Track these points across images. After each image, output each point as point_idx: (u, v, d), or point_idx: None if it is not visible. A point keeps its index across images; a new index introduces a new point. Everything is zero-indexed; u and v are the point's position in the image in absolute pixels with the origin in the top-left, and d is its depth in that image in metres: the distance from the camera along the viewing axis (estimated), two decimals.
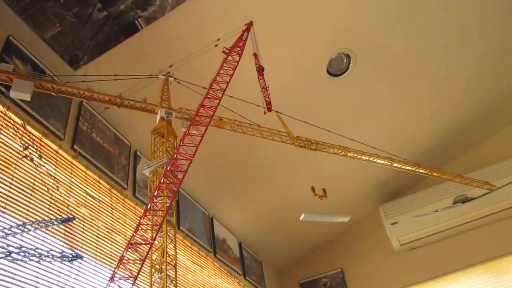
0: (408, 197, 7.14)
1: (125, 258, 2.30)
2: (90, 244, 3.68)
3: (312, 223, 6.93)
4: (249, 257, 6.97)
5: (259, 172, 6.05)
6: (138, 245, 2.31)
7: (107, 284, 2.24)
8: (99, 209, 3.98)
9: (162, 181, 2.49)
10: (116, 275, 2.34)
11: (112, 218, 4.10)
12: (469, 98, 6.42)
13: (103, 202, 4.08)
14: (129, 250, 2.32)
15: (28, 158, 3.07)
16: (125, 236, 4.13)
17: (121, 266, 2.29)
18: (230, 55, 3.56)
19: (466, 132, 6.91)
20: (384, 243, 7.15)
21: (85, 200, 3.87)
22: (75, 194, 3.79)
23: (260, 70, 4.05)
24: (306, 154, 4.53)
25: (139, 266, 2.24)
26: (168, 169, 2.53)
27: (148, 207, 2.41)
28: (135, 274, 2.25)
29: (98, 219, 3.92)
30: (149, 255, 2.53)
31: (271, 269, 7.84)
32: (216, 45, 3.88)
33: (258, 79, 4.05)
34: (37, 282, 3.04)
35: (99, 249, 3.74)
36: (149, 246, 2.23)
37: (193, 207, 5.72)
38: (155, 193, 2.47)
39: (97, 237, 3.77)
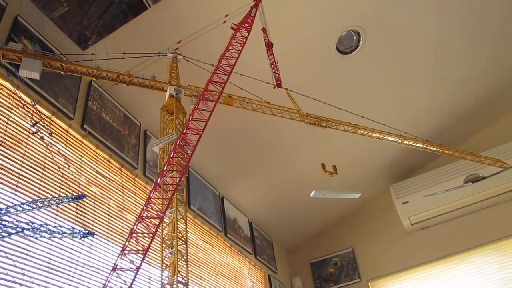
0: (419, 176, 7.11)
1: (135, 231, 2.30)
2: (101, 222, 3.70)
3: (323, 202, 6.95)
4: (259, 236, 7.00)
5: (269, 151, 6.04)
6: (148, 219, 2.31)
7: (118, 257, 2.25)
8: (109, 188, 4.00)
9: (171, 156, 2.49)
10: (127, 248, 2.35)
11: (123, 197, 4.12)
12: (482, 75, 6.33)
13: (113, 181, 4.10)
14: (140, 224, 2.32)
15: (38, 135, 3.07)
16: (136, 214, 4.15)
17: (131, 239, 2.29)
18: (239, 31, 3.53)
19: (479, 110, 6.82)
20: (395, 223, 7.15)
21: (95, 179, 3.88)
22: (85, 173, 3.80)
23: (269, 45, 4.01)
24: (316, 132, 4.51)
25: (150, 239, 2.25)
26: (177, 143, 2.53)
27: (158, 181, 2.41)
28: (146, 247, 2.25)
29: (109, 198, 3.94)
30: (159, 229, 2.54)
31: (281, 248, 7.87)
32: (224, 22, 3.85)
33: (267, 55, 4.02)
34: (50, 258, 3.07)
35: (110, 227, 3.77)
36: (159, 219, 2.23)
37: (203, 187, 5.73)
38: (165, 168, 2.47)
39: (108, 215, 3.79)
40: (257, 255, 6.61)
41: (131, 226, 3.75)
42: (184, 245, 2.72)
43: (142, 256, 2.23)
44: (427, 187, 6.91)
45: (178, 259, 2.56)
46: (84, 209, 3.55)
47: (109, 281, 2.21)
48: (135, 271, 2.20)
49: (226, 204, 6.21)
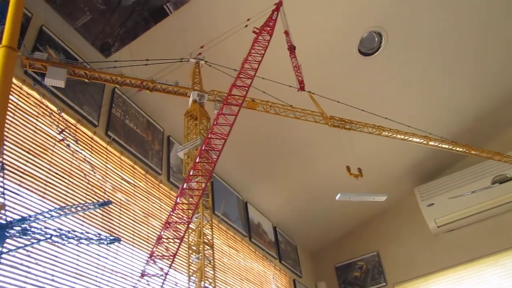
0: (444, 178, 7.00)
1: (162, 237, 2.30)
2: (127, 228, 3.72)
3: (347, 206, 6.90)
4: (284, 241, 6.96)
5: (293, 155, 6.01)
6: (175, 224, 2.31)
7: (146, 263, 2.25)
8: (134, 194, 4.02)
9: (197, 161, 2.49)
10: (155, 254, 2.35)
11: (148, 203, 4.14)
12: (507, 74, 6.21)
13: (138, 187, 4.11)
14: (166, 230, 2.32)
15: (64, 142, 3.10)
16: (161, 220, 4.17)
17: (159, 245, 2.29)
18: (261, 35, 3.52)
19: (506, 108, 6.68)
20: (421, 225, 7.04)
21: (121, 185, 3.90)
22: (110, 179, 3.83)
23: (292, 48, 4.00)
24: (340, 135, 4.47)
25: (177, 245, 2.24)
26: (203, 148, 2.52)
27: (184, 186, 2.40)
28: (174, 253, 2.25)
29: (134, 204, 3.95)
30: (186, 235, 2.54)
31: (306, 253, 7.82)
32: (246, 26, 3.85)
33: (290, 58, 4.00)
34: (77, 265, 3.09)
35: (136, 233, 3.78)
36: (186, 225, 2.23)
37: (227, 192, 5.73)
38: (191, 173, 2.46)
39: (134, 221, 3.81)
40: (281, 259, 6.57)
41: (157, 232, 3.78)
42: (211, 250, 2.71)
43: (169, 262, 2.23)
44: (452, 188, 6.79)
45: (205, 265, 2.56)
46: (110, 215, 3.57)
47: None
48: (164, 277, 2.19)
49: (250, 209, 6.19)
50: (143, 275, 2.18)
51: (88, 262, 3.18)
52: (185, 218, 2.27)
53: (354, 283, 7.50)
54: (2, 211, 2.44)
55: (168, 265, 2.19)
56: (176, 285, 3.84)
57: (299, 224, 7.12)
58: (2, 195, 2.53)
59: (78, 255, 3.12)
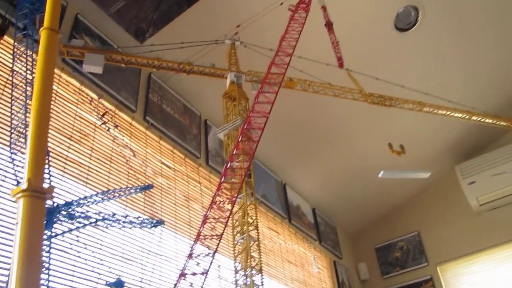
0: (486, 155, 6.80)
1: (208, 217, 2.28)
2: (169, 212, 3.73)
3: (386, 186, 6.79)
4: (323, 222, 6.91)
5: (330, 135, 5.92)
6: (221, 204, 2.29)
7: (194, 243, 2.24)
8: (175, 178, 4.03)
9: (239, 140, 2.45)
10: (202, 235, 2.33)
11: (188, 186, 4.15)
12: None
13: (178, 171, 4.13)
14: (211, 211, 2.30)
15: (105, 127, 3.12)
16: (202, 204, 4.18)
17: (205, 225, 2.28)
18: (297, 12, 3.45)
19: None
20: (462, 204, 6.88)
21: (161, 170, 3.92)
22: (151, 164, 3.85)
23: (330, 24, 3.92)
24: (379, 112, 4.38)
25: (223, 225, 2.22)
26: (244, 127, 2.49)
27: (228, 166, 2.38)
28: (220, 232, 2.23)
29: (175, 188, 3.97)
30: (231, 216, 2.52)
31: (346, 234, 7.75)
32: (281, 3, 3.78)
33: (328, 34, 3.92)
34: (123, 248, 3.13)
35: (178, 217, 3.80)
36: (231, 204, 2.20)
37: (265, 175, 5.71)
38: (234, 152, 2.44)
39: (175, 205, 3.83)
40: (321, 241, 6.54)
41: (198, 216, 3.79)
42: (256, 231, 2.69)
43: (217, 241, 2.21)
44: (495, 165, 6.60)
45: (250, 245, 2.54)
46: (152, 199, 3.59)
47: (186, 268, 2.19)
48: (212, 255, 2.17)
49: (289, 191, 6.16)
50: (190, 255, 2.17)
51: (133, 245, 3.21)
52: (229, 198, 2.25)
53: (395, 264, 7.41)
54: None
55: (215, 245, 2.18)
56: (219, 267, 3.85)
57: (338, 205, 7.05)
58: (48, 181, 2.56)
59: (123, 239, 3.15)
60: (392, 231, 7.62)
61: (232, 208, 2.18)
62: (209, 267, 2.14)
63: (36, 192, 1.59)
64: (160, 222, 3.04)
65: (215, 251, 2.18)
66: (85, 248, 2.85)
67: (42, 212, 1.64)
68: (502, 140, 6.87)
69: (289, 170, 6.10)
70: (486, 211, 6.85)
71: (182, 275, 2.13)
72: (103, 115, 3.06)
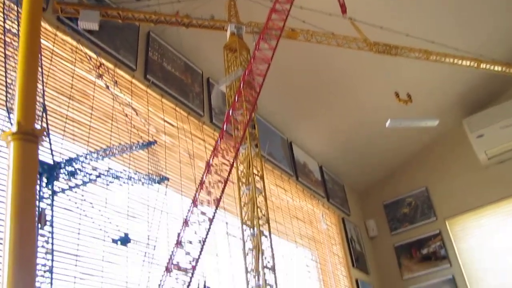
0: (495, 107, 6.67)
1: (212, 165, 2.22)
2: (174, 169, 3.69)
3: (393, 141, 6.72)
4: (330, 180, 6.87)
5: (335, 87, 5.78)
6: (224, 152, 2.23)
7: (198, 190, 2.19)
8: (179, 136, 3.98)
9: (241, 87, 2.37)
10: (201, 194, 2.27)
11: (192, 144, 4.09)
12: None
13: (181, 129, 4.07)
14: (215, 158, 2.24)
15: (103, 82, 3.05)
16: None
17: (208, 173, 2.22)
18: None
19: None
20: (470, 158, 6.81)
21: (164, 128, 3.87)
22: (153, 122, 3.79)
23: None
24: (384, 62, 4.27)
25: (227, 172, 2.16)
26: (246, 74, 2.40)
27: (230, 112, 2.30)
28: (225, 179, 2.17)
29: (179, 146, 3.92)
30: (236, 162, 2.47)
31: (354, 191, 7.71)
32: None
33: None
34: (128, 206, 3.10)
35: (183, 174, 3.76)
36: (234, 152, 2.14)
37: (271, 133, 5.64)
38: (235, 99, 2.36)
39: (180, 162, 3.78)
40: (329, 198, 6.51)
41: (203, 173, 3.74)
42: (261, 182, 2.64)
43: (221, 189, 2.15)
44: (504, 118, 6.47)
45: (256, 195, 2.49)
46: (156, 157, 3.55)
47: (183, 232, 2.14)
48: (217, 203, 2.12)
49: (295, 148, 6.10)
50: (195, 202, 2.12)
51: (139, 203, 3.18)
52: (233, 146, 2.18)
53: (403, 220, 7.39)
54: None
55: (220, 193, 2.12)
56: (227, 224, 3.83)
57: (345, 162, 6.99)
58: (48, 141, 2.50)
59: (128, 197, 3.12)
60: (400, 187, 7.58)
61: (235, 157, 2.12)
62: (214, 215, 2.09)
63: (27, 135, 1.53)
64: (164, 178, 3.00)
65: (220, 198, 2.12)
66: (92, 207, 2.82)
67: (35, 156, 1.58)
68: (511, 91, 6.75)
69: (295, 127, 6.02)
70: (494, 165, 6.77)
71: (186, 223, 2.09)
72: (98, 67, 2.98)
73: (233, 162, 2.13)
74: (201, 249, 2.03)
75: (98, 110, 3.35)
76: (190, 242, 2.05)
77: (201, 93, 4.63)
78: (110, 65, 3.62)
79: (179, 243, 2.06)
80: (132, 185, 2.86)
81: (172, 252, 2.05)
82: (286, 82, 5.26)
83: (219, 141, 2.20)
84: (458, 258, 6.65)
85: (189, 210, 2.13)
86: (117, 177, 2.74)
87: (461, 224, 6.91)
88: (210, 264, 3.46)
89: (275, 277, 2.59)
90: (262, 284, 2.44)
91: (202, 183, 2.18)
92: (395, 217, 7.48)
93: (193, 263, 2.00)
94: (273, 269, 2.53)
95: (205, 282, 2.81)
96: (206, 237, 2.05)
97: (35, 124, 1.59)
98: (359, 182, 7.66)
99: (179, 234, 2.10)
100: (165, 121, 3.91)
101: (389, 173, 7.62)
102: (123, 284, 2.80)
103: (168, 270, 2.00)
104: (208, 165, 2.20)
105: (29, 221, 1.50)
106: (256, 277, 2.50)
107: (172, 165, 3.69)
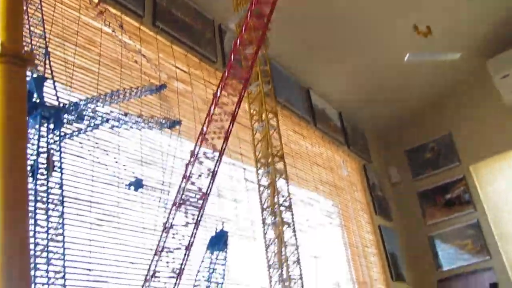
0: None
1: (220, 95, 2.11)
2: (188, 115, 3.62)
3: (414, 85, 6.53)
4: (350, 126, 6.73)
5: (354, 30, 5.51)
6: (232, 85, 2.11)
7: (207, 123, 2.09)
8: (191, 82, 3.89)
9: (248, 14, 2.23)
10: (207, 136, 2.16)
11: (206, 90, 4.01)
12: None
13: (194, 75, 3.98)
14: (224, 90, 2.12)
15: (103, 16, 2.93)
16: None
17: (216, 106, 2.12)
18: None
19: None
20: (495, 100, 6.58)
21: (176, 74, 3.78)
22: (164, 69, 3.70)
23: None
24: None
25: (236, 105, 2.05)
26: (253, 3, 2.25)
27: (237, 42, 2.18)
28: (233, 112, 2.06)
29: (193, 92, 3.84)
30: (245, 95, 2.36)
31: (374, 138, 7.55)
32: None
33: None
34: (141, 151, 3.05)
35: (197, 120, 3.68)
36: (243, 83, 2.03)
37: (288, 80, 5.50)
38: (243, 29, 2.23)
39: (194, 109, 3.71)
40: (349, 145, 6.40)
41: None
42: (275, 118, 2.55)
43: (229, 123, 2.04)
44: None
45: (270, 133, 2.40)
46: (169, 103, 3.48)
47: (192, 166, 2.04)
48: (227, 133, 2.01)
49: (313, 95, 5.96)
50: (203, 135, 2.02)
51: (152, 149, 3.14)
52: (242, 78, 2.06)
53: (426, 165, 7.25)
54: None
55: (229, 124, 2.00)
56: (245, 170, 3.76)
57: (365, 108, 6.81)
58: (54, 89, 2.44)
59: (140, 143, 3.07)
60: (422, 132, 7.40)
61: (243, 88, 2.00)
62: (223, 148, 2.00)
63: (13, 58, 1.43)
64: (177, 122, 2.92)
65: (228, 131, 2.02)
66: (107, 154, 2.78)
67: (23, 81, 1.49)
68: None
69: (312, 73, 5.84)
70: None
71: (194, 155, 2.00)
72: (98, 4, 2.86)
73: (242, 94, 2.03)
74: (211, 181, 1.95)
75: (106, 58, 3.27)
76: (200, 176, 1.97)
77: (213, 39, 4.50)
78: (117, 12, 3.51)
79: (187, 178, 1.98)
80: (143, 129, 2.80)
81: (180, 184, 1.97)
82: (301, 26, 5.07)
83: (226, 73, 2.08)
84: (482, 203, 6.53)
85: (196, 145, 2.04)
86: (128, 122, 2.67)
87: (485, 168, 6.76)
88: (228, 210, 3.43)
89: (292, 215, 2.54)
90: (278, 221, 2.39)
91: (209, 114, 2.08)
92: (418, 163, 7.34)
93: (203, 194, 1.92)
94: (289, 207, 2.47)
95: (223, 226, 2.77)
96: (216, 168, 1.96)
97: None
98: (379, 129, 7.50)
99: (187, 167, 2.02)
100: (176, 67, 3.82)
101: (411, 118, 7.42)
102: (139, 229, 2.78)
103: (175, 204, 1.93)
104: (216, 96, 2.10)
105: (19, 151, 1.43)
106: (272, 215, 2.44)
107: (185, 111, 3.62)
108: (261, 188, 2.52)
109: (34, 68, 2.28)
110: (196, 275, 2.61)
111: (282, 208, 2.40)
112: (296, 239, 2.53)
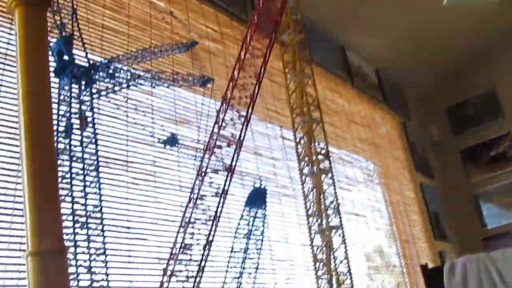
0: None
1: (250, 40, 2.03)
2: (220, 74, 3.57)
3: (454, 38, 6.26)
4: (388, 84, 6.52)
5: None
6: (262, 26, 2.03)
7: (236, 72, 2.02)
8: (223, 41, 3.83)
9: None
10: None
11: (238, 50, 3.92)
12: None
13: (225, 34, 3.91)
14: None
15: None
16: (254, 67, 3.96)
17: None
18: None
19: None
20: None
21: (206, 34, 3.72)
22: (195, 29, 3.64)
23: None
24: None
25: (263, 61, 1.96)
26: None
27: None
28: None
29: (224, 51, 3.78)
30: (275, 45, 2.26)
31: (413, 95, 7.28)
32: None
33: None
34: (175, 111, 3.03)
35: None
36: (274, 24, 1.93)
37: (322, 38, 5.32)
38: None
39: (226, 67, 3.65)
40: (388, 103, 6.23)
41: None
42: (309, 67, 2.45)
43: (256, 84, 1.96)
44: None
45: (305, 82, 2.32)
46: (200, 63, 3.43)
47: (223, 113, 1.98)
48: (257, 84, 1.94)
49: (349, 53, 5.77)
50: (234, 84, 1.96)
51: (185, 108, 3.12)
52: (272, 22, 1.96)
53: (468, 122, 7.01)
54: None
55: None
56: (281, 128, 3.69)
57: (403, 65, 6.56)
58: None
59: (174, 102, 3.05)
60: (463, 90, 7.12)
61: (274, 31, 1.91)
62: (255, 95, 1.93)
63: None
64: (209, 80, 2.87)
65: (263, 68, 1.93)
66: (144, 115, 2.77)
67: (43, 22, 1.45)
68: None
69: (349, 31, 5.63)
70: None
71: (225, 101, 1.94)
72: None
73: (272, 43, 1.93)
74: (244, 127, 1.89)
75: (136, 19, 3.23)
76: (233, 122, 1.91)
77: None
78: None
79: (220, 126, 1.93)
80: (176, 87, 2.77)
81: (213, 129, 1.92)
82: None
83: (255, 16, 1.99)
84: None
85: (228, 89, 1.97)
86: (160, 79, 2.64)
87: None
88: (266, 168, 3.40)
89: (330, 163, 2.47)
90: (316, 171, 2.33)
91: (239, 59, 2.01)
92: (459, 120, 7.11)
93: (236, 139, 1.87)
94: (326, 155, 2.40)
95: (260, 184, 2.73)
96: (249, 115, 1.90)
97: None
98: (419, 86, 7.23)
99: (218, 113, 1.96)
100: (207, 26, 3.75)
101: (451, 75, 7.13)
102: (177, 188, 2.77)
103: (207, 148, 1.89)
104: (240, 60, 2.01)
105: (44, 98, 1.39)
106: (310, 165, 2.38)
107: (218, 70, 3.56)
108: (298, 138, 2.46)
109: (63, 28, 2.26)
110: (235, 232, 2.59)
111: (320, 157, 2.34)
112: (334, 187, 2.47)
